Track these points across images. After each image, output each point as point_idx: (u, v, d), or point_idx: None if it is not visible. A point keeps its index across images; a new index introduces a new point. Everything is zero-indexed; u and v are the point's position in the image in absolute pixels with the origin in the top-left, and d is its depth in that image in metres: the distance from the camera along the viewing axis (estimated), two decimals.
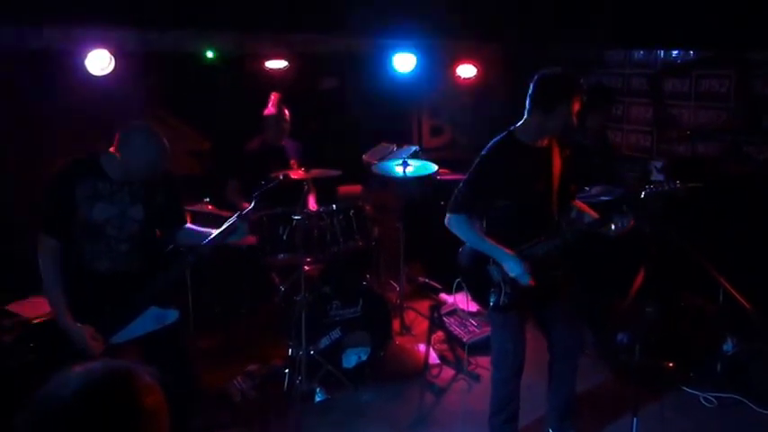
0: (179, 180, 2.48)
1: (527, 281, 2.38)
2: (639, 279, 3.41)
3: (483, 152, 2.48)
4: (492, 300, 2.48)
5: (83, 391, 0.93)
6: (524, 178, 2.43)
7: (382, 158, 4.10)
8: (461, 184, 2.49)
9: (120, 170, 2.25)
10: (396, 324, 3.82)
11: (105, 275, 2.28)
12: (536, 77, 2.40)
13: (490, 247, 2.44)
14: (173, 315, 2.33)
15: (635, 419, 2.08)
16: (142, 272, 2.32)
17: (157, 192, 2.36)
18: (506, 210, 2.47)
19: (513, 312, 2.51)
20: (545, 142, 2.48)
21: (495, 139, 2.49)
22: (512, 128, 2.49)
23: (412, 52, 4.22)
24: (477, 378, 3.32)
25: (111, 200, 2.26)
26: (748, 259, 3.28)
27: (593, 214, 2.57)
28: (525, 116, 2.45)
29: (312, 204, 3.90)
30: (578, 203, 2.66)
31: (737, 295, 2.63)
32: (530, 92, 2.41)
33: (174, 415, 1.00)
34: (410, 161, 3.79)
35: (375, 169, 3.94)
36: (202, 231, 2.46)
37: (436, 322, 3.50)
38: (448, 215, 2.49)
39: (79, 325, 2.17)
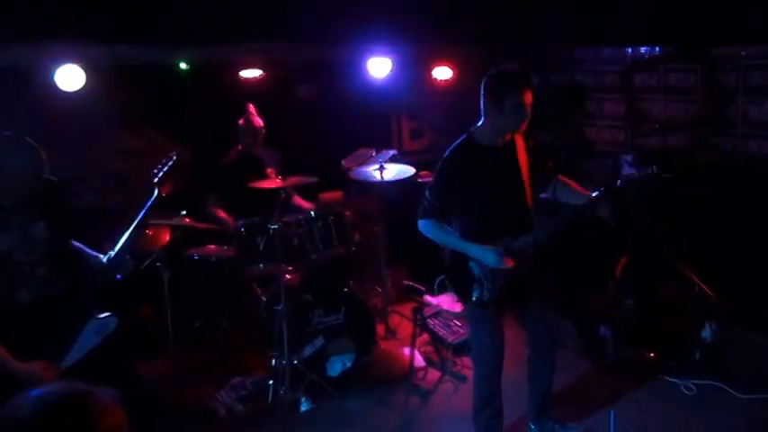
0: (64, 187, 2.43)
1: (504, 266, 2.41)
2: (618, 272, 3.46)
3: (443, 157, 2.51)
4: (475, 294, 2.52)
5: (40, 414, 0.92)
6: (486, 179, 2.47)
7: (361, 164, 4.11)
8: (426, 191, 2.53)
9: (2, 191, 2.15)
10: (380, 328, 3.83)
11: (30, 305, 2.20)
12: (484, 77, 2.44)
13: (463, 244, 2.48)
14: (112, 322, 2.27)
15: (611, 412, 2.12)
16: (66, 291, 2.26)
17: (52, 204, 2.30)
18: (476, 209, 2.51)
19: (490, 308, 2.54)
20: (506, 139, 2.50)
21: (453, 143, 2.52)
22: (472, 129, 2.52)
23: (387, 57, 4.23)
24: (462, 378, 3.33)
25: (7, 227, 2.17)
26: (719, 247, 3.35)
27: (581, 190, 2.58)
28: (482, 118, 2.49)
29: (305, 204, 3.91)
30: (565, 179, 2.65)
31: (703, 285, 2.69)
32: (481, 92, 2.46)
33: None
34: (387, 165, 3.81)
35: (354, 174, 3.95)
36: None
37: (419, 324, 3.51)
38: (418, 222, 2.54)
39: (26, 364, 2.08)
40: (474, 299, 2.52)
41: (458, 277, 2.58)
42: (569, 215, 2.50)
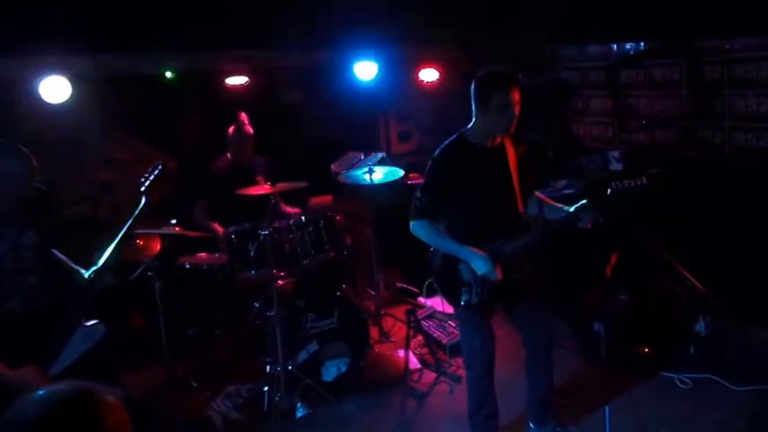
0: (54, 196, 2.42)
1: (495, 276, 2.41)
2: (611, 267, 3.46)
3: (434, 155, 2.51)
4: (463, 299, 2.51)
5: (45, 412, 0.93)
6: (477, 178, 2.46)
7: (350, 167, 4.11)
8: (418, 191, 2.53)
9: None
10: (375, 332, 3.82)
11: (21, 314, 2.20)
12: (473, 79, 2.46)
13: (456, 247, 2.47)
14: (100, 330, 2.26)
15: (606, 408, 2.12)
16: (55, 300, 2.25)
17: (42, 212, 2.30)
18: (467, 209, 2.50)
19: (480, 311, 2.53)
20: (497, 141, 2.51)
21: (445, 142, 2.52)
22: (463, 129, 2.53)
23: (373, 60, 4.24)
24: (458, 379, 3.31)
25: None
26: (709, 241, 3.36)
27: (558, 206, 2.59)
28: (473, 119, 2.50)
29: (291, 210, 3.90)
30: (541, 196, 2.68)
31: (694, 280, 2.69)
32: (471, 94, 2.47)
33: None
34: (376, 168, 3.81)
35: (343, 178, 3.95)
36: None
37: (413, 326, 3.50)
38: (410, 222, 2.52)
39: (18, 371, 2.06)
40: (462, 303, 2.51)
41: (446, 281, 2.57)
42: (549, 229, 2.48)
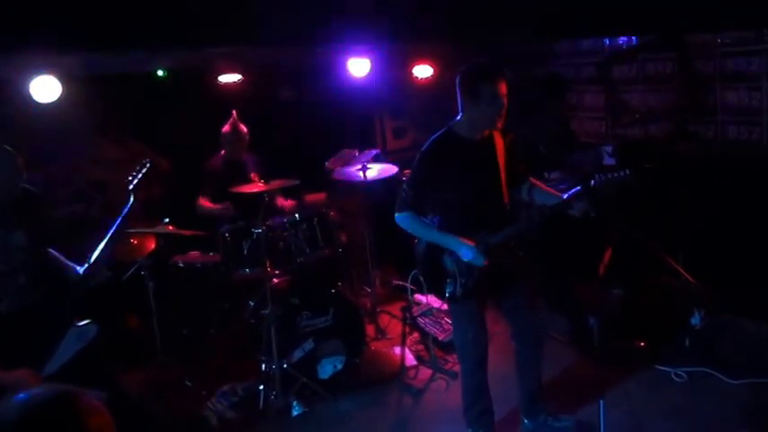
0: (42, 196, 2.41)
1: (481, 263, 2.41)
2: (605, 261, 3.47)
3: (422, 148, 2.51)
4: (448, 290, 2.52)
5: (27, 416, 0.95)
6: (465, 171, 2.47)
7: (345, 164, 4.10)
8: (405, 183, 2.54)
9: None
10: (370, 329, 3.82)
11: (11, 314, 2.20)
12: (459, 72, 2.45)
13: (440, 236, 2.48)
14: (92, 330, 2.27)
15: (601, 402, 2.12)
16: (46, 300, 2.26)
17: (30, 212, 2.29)
18: (454, 202, 2.50)
19: (471, 302, 2.54)
20: (485, 134, 2.51)
21: (433, 136, 2.52)
22: (451, 123, 2.52)
23: (366, 57, 4.22)
24: (454, 376, 3.31)
25: None
26: (703, 234, 3.37)
27: (554, 193, 2.59)
28: (460, 113, 2.50)
29: (286, 203, 3.88)
30: (536, 182, 2.66)
31: (687, 274, 2.70)
32: (457, 87, 2.46)
33: None
34: (370, 165, 3.80)
35: (337, 175, 3.94)
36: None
37: (409, 323, 3.50)
38: (396, 214, 2.53)
39: (14, 373, 2.06)
40: (447, 294, 2.53)
41: (431, 271, 2.58)
42: (542, 215, 2.48)
